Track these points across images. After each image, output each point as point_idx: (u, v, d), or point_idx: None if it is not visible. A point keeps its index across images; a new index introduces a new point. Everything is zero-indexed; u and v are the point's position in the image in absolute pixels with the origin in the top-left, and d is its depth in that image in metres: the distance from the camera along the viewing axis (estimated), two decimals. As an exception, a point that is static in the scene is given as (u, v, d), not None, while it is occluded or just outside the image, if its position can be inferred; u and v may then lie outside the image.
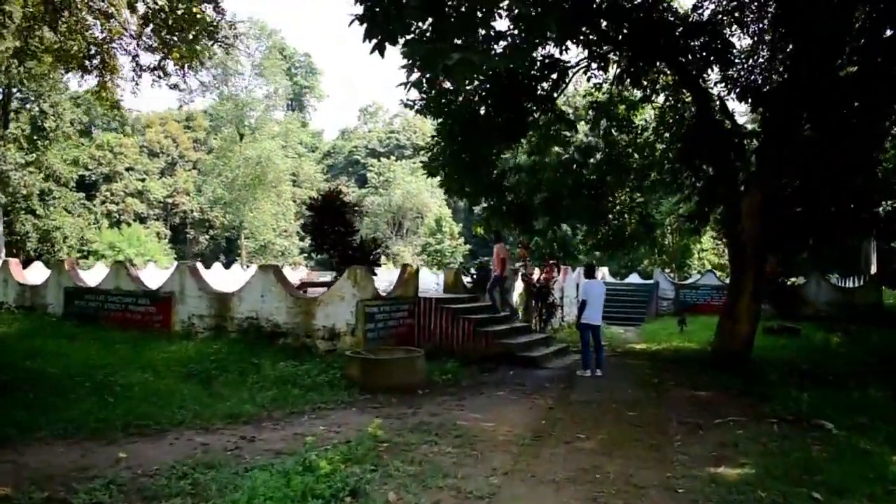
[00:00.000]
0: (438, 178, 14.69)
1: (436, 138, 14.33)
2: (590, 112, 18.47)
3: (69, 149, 40.46)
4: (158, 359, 11.51)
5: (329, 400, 9.00)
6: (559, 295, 21.53)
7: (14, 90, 35.27)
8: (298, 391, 9.28)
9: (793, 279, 26.60)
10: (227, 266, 37.91)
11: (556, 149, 18.09)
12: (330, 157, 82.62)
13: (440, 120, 13.88)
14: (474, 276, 16.69)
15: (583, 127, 19.18)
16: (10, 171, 34.62)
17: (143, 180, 66.24)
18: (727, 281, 32.65)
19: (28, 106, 36.33)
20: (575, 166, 18.22)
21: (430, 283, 23.61)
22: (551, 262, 20.96)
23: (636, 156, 18.79)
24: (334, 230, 12.66)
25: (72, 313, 15.75)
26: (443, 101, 13.95)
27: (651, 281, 32.32)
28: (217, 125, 62.62)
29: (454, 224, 64.05)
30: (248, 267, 40.17)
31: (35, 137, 35.65)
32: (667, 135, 18.32)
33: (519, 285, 19.28)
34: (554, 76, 14.75)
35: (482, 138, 14.64)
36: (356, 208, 14.42)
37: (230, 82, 58.51)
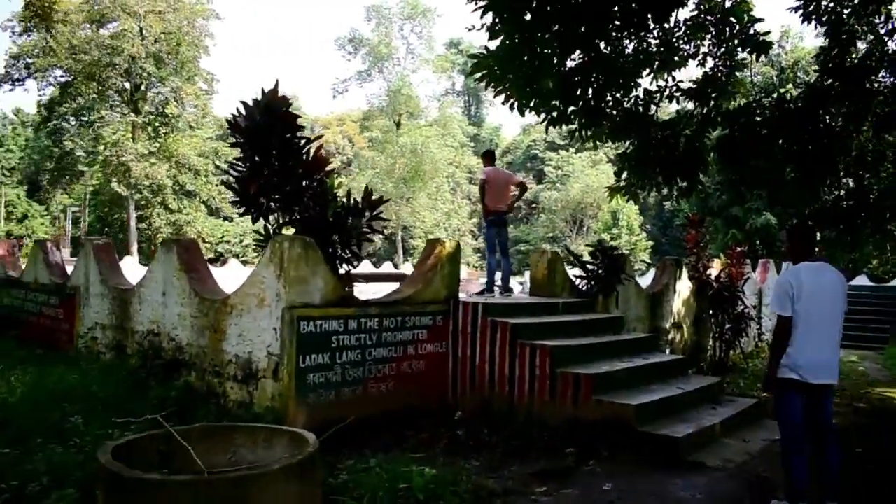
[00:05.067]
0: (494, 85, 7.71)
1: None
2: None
3: (191, 137, 37.85)
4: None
5: None
6: (753, 301, 13.74)
7: (143, 70, 33.00)
8: None
9: None
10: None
11: (742, 56, 10.59)
12: (509, 153, 79.05)
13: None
14: (592, 270, 9.72)
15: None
16: (130, 161, 32.27)
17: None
18: None
19: (153, 90, 34.04)
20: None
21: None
22: (738, 249, 13.28)
23: (884, 73, 10.79)
24: (274, 172, 6.47)
25: (2, 315, 11.03)
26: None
27: (893, 284, 23.03)
28: (375, 114, 59.26)
29: (634, 216, 55.75)
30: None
31: (157, 124, 33.22)
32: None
33: (685, 286, 12.00)
34: None
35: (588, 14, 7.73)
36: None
37: (384, 68, 54.85)
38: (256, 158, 6.67)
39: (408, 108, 54.74)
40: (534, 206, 69.09)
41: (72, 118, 37.02)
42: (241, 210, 6.96)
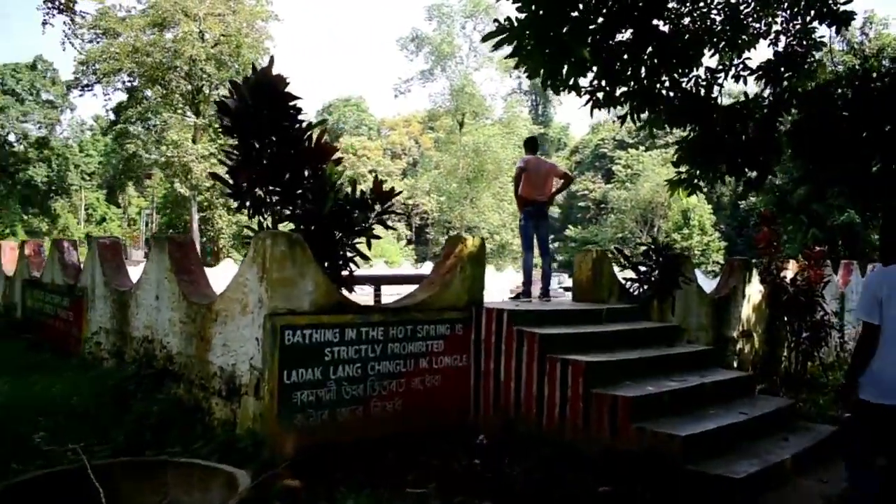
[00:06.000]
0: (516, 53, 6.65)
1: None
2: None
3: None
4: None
5: None
6: (834, 307, 12.28)
7: (203, 73, 33.23)
8: None
9: None
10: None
11: (820, 34, 9.31)
12: (577, 153, 77.39)
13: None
14: (645, 272, 8.60)
15: None
16: (191, 162, 32.51)
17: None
18: None
19: (214, 93, 34.23)
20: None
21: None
22: (818, 249, 11.86)
23: None
24: (271, 160, 5.72)
25: (26, 317, 10.73)
26: None
27: None
28: (440, 114, 58.60)
29: (707, 215, 53.34)
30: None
31: (217, 126, 33.38)
32: None
33: (755, 290, 10.75)
34: None
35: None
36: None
37: (447, 66, 54.14)
38: (251, 145, 5.92)
39: (471, 106, 53.87)
40: (602, 206, 67.20)
41: (138, 122, 37.73)
42: (236, 204, 6.22)
